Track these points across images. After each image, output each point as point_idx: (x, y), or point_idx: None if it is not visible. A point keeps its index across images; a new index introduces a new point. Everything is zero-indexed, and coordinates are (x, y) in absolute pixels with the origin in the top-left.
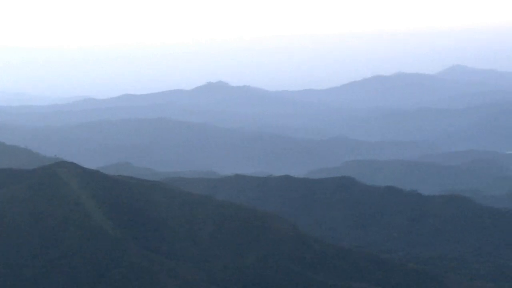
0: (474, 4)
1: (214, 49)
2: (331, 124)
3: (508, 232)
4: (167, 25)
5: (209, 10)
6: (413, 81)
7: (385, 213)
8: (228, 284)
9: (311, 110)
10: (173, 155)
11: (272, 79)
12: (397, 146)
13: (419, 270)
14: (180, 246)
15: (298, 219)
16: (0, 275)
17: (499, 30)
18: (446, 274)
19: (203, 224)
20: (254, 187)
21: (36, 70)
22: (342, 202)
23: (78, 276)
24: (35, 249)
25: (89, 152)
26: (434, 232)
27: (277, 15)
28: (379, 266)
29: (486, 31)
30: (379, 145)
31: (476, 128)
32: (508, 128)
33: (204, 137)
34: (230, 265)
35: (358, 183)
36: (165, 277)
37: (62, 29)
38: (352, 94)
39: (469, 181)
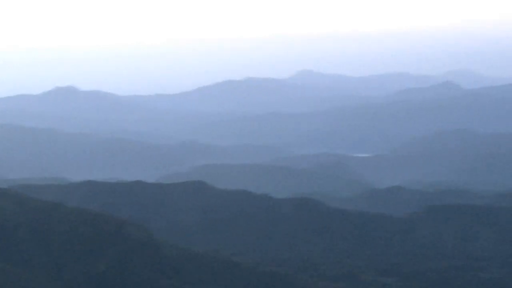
0: (320, 11)
1: (64, 54)
2: (182, 129)
3: (357, 233)
4: (16, 30)
5: (57, 15)
6: (263, 86)
7: (238, 217)
8: None
9: (162, 115)
10: (21, 161)
11: (123, 84)
12: (248, 150)
13: (270, 272)
14: (30, 254)
15: (150, 224)
16: None
17: (346, 36)
18: (296, 275)
19: (53, 232)
20: (106, 193)
21: None
22: (195, 206)
23: None
24: None
25: None
26: (285, 235)
27: (126, 22)
28: (232, 269)
29: (334, 37)
30: (230, 149)
31: (325, 131)
32: (356, 131)
33: (53, 143)
34: (81, 273)
35: (210, 187)
36: (15, 287)
37: None
38: (203, 99)
39: (319, 183)
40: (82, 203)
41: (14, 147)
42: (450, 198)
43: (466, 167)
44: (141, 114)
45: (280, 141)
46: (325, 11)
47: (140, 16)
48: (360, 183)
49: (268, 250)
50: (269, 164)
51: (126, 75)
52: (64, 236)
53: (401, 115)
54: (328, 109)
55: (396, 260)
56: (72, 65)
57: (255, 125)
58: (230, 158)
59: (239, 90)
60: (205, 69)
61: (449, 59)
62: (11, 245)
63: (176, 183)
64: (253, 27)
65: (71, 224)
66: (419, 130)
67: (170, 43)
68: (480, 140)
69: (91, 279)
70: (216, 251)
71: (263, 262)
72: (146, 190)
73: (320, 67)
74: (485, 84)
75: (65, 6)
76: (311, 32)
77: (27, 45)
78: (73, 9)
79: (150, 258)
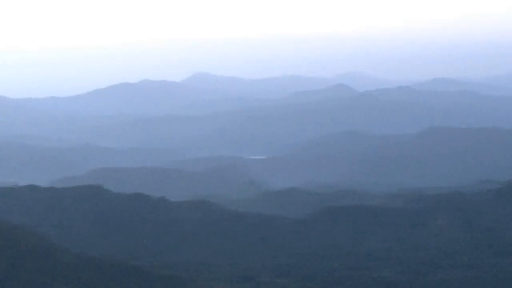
0: (216, 14)
1: None
2: (75, 132)
3: (252, 235)
4: None
5: None
6: (158, 88)
7: (134, 220)
8: None
9: (55, 118)
10: None
11: (15, 86)
12: (144, 153)
13: (167, 275)
14: None
15: (43, 230)
16: None
17: (241, 39)
18: (193, 278)
19: None
20: None
21: None
22: (90, 210)
23: None
24: None
25: None
26: (182, 238)
27: (21, 25)
28: (129, 273)
29: (229, 41)
30: (125, 152)
31: (220, 134)
32: (250, 133)
33: None
34: None
35: (105, 191)
36: None
37: None
38: (97, 102)
39: (214, 186)
40: None
41: None
42: (344, 199)
43: (359, 168)
44: (33, 117)
45: (175, 144)
46: (220, 14)
47: (33, 20)
48: (255, 185)
49: (165, 253)
50: (165, 167)
51: (18, 78)
52: None
53: (295, 117)
54: (223, 111)
55: (292, 261)
56: None
57: (150, 127)
58: (126, 161)
59: (134, 92)
60: (100, 71)
61: (342, 61)
62: None
63: (70, 187)
64: (148, 30)
65: None
66: (313, 132)
67: (64, 46)
68: (372, 142)
69: None
70: (112, 255)
71: (159, 265)
72: (38, 194)
73: (215, 70)
74: (377, 86)
75: None
76: (207, 35)
77: None
78: None
79: (44, 264)
